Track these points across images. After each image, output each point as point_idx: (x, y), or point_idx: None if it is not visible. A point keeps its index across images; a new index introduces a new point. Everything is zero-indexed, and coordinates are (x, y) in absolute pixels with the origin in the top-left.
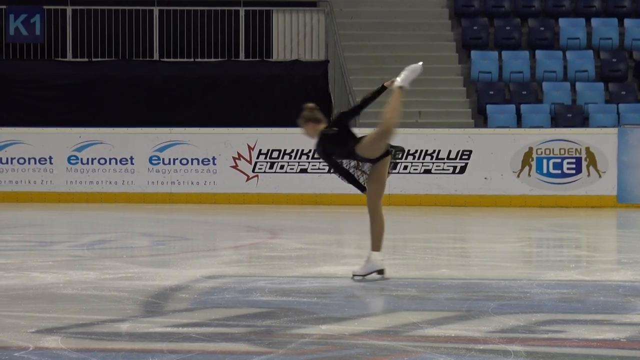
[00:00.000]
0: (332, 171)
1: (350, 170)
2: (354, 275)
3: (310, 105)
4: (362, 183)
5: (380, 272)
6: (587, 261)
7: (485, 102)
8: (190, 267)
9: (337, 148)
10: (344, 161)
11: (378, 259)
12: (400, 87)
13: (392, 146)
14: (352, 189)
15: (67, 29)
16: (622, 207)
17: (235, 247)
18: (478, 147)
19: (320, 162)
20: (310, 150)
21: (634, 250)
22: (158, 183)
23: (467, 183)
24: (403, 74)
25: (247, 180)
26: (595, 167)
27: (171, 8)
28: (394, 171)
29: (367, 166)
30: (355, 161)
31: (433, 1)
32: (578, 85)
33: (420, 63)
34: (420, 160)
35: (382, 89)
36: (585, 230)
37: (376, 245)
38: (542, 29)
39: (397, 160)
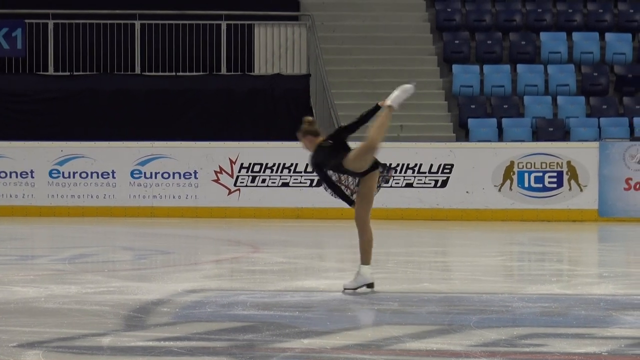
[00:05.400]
0: (322, 184)
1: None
2: (344, 289)
3: (309, 118)
4: (349, 196)
5: (370, 285)
6: (568, 275)
7: (466, 116)
8: (172, 281)
9: (329, 160)
10: (334, 175)
11: (368, 272)
12: (389, 107)
13: (383, 165)
14: (333, 203)
15: (48, 43)
16: (603, 221)
17: (217, 261)
18: (459, 160)
19: (302, 176)
20: (292, 164)
21: (615, 264)
22: (140, 197)
23: (448, 197)
24: (394, 94)
25: (228, 194)
26: (576, 180)
27: (152, 22)
28: (385, 185)
29: (350, 180)
30: (338, 175)
31: (414, 15)
32: (559, 99)
33: (413, 84)
34: (402, 174)
35: (377, 108)
36: (567, 244)
37: (365, 259)
38: (523, 43)
39: (388, 176)
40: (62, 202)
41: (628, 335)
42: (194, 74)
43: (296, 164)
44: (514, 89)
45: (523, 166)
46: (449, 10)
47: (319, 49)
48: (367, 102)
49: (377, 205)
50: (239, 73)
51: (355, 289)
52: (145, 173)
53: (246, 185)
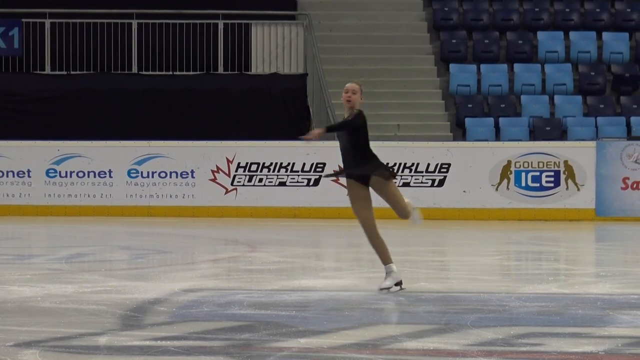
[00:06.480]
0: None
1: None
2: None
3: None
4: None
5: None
6: (565, 274)
7: (463, 115)
8: (169, 280)
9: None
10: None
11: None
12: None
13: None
14: (330, 202)
15: (45, 42)
16: (600, 220)
17: (214, 260)
18: (457, 160)
19: (299, 176)
20: (289, 164)
21: (612, 263)
22: (136, 196)
23: (445, 196)
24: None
25: (225, 194)
26: (573, 180)
27: (150, 21)
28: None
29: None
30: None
31: (412, 14)
32: (556, 98)
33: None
34: (399, 173)
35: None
36: (564, 243)
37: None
38: (520, 42)
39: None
40: (59, 202)
41: (625, 335)
42: (191, 73)
43: (293, 164)
44: (511, 88)
45: (520, 165)
46: (446, 9)
47: (316, 48)
48: (365, 101)
49: (373, 204)
50: (236, 72)
51: (389, 288)
52: (142, 172)
53: (243, 185)
